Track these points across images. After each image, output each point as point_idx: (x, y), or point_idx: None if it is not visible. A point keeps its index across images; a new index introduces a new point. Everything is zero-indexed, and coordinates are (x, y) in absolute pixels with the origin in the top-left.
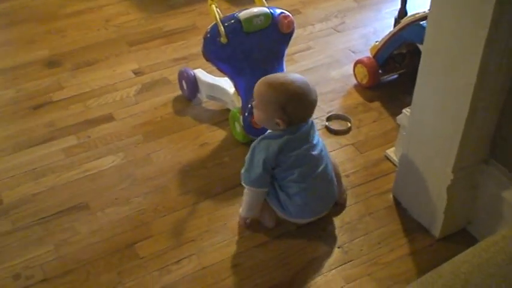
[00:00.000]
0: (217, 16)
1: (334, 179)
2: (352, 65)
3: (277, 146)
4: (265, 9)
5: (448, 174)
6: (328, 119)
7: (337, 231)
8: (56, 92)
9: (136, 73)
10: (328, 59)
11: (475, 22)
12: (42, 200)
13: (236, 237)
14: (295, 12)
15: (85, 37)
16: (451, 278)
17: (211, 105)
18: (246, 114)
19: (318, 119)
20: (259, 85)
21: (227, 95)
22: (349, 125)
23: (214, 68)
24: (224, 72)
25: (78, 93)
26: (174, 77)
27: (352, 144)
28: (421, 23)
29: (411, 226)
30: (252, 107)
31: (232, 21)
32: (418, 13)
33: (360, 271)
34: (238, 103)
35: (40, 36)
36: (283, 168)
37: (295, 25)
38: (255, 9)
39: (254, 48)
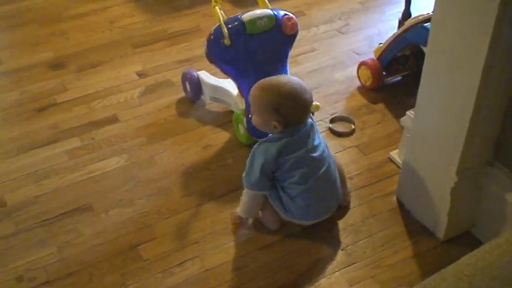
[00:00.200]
0: (221, 18)
1: (338, 181)
2: (356, 67)
3: (276, 149)
4: (269, 11)
5: (452, 176)
6: (332, 120)
7: (340, 234)
8: (60, 94)
9: (141, 75)
10: (332, 61)
11: (479, 23)
12: (45, 202)
13: (239, 240)
14: (299, 14)
15: (89, 39)
16: (454, 280)
17: (214, 107)
18: (250, 116)
19: (322, 120)
20: (253, 90)
21: (231, 96)
22: (353, 127)
23: (218, 70)
24: (228, 74)
25: (82, 95)
26: (177, 79)
27: (356, 146)
28: (425, 25)
29: (415, 228)
30: None
31: (236, 23)
32: (422, 15)
33: (363, 273)
34: (241, 105)
35: (44, 38)
36: (284, 171)
37: (298, 27)
38: (259, 11)
39: (258, 50)
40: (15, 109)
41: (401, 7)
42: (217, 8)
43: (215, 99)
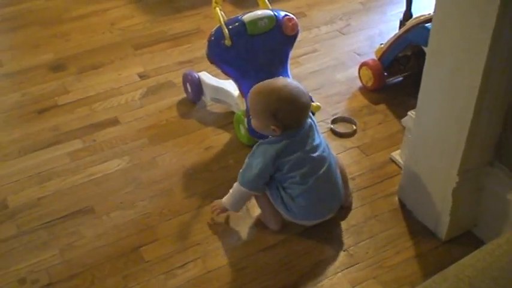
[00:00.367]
0: (222, 19)
1: (339, 180)
2: (357, 68)
3: (275, 151)
4: (270, 12)
5: (453, 177)
6: (334, 121)
7: (342, 234)
8: (61, 96)
9: (142, 76)
10: (333, 62)
11: (479, 24)
12: (47, 204)
13: (241, 241)
14: (300, 15)
15: (90, 41)
16: (455, 281)
17: (215, 108)
18: (250, 116)
19: (323, 121)
20: (250, 94)
21: (231, 97)
22: (355, 127)
23: (219, 71)
24: (228, 74)
25: (83, 97)
26: (179, 80)
27: (358, 146)
28: (426, 25)
29: (417, 229)
30: None
31: (237, 23)
32: (423, 15)
33: (365, 274)
34: (242, 105)
35: (45, 40)
36: (284, 172)
37: (299, 27)
38: (259, 12)
39: (258, 51)
40: (16, 111)
41: (403, 7)
42: (217, 9)
43: (216, 100)
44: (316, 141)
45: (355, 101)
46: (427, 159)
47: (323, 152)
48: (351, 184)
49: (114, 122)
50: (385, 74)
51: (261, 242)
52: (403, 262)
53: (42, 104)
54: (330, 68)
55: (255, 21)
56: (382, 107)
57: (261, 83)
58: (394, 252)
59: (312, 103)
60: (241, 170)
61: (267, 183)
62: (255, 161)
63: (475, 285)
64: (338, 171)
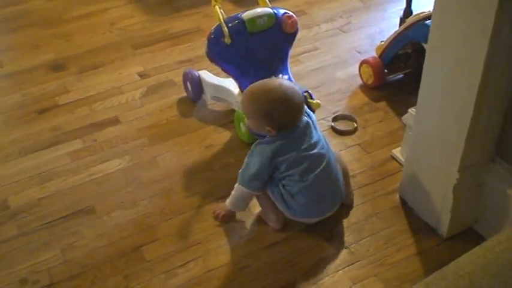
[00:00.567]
0: (221, 17)
1: (339, 177)
2: (357, 65)
3: (271, 151)
4: (269, 10)
5: (453, 174)
6: (334, 119)
7: (343, 232)
8: (62, 96)
9: (142, 76)
10: (334, 60)
11: (478, 20)
12: (48, 204)
13: (242, 239)
14: (300, 13)
15: (90, 40)
16: (455, 278)
17: (216, 106)
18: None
19: (324, 119)
20: (244, 95)
21: (232, 95)
22: (355, 125)
23: (219, 70)
24: (228, 72)
25: (84, 97)
26: (179, 79)
27: (359, 144)
28: (426, 22)
29: (418, 226)
30: None
31: (236, 21)
32: (423, 12)
33: (366, 272)
34: None
35: (45, 40)
36: (282, 171)
37: (299, 25)
38: (259, 10)
39: (258, 49)
40: (16, 111)
41: (403, 5)
42: (217, 7)
43: (216, 99)
44: (314, 139)
45: (355, 98)
46: (427, 156)
47: (321, 149)
48: (352, 182)
49: (115, 121)
50: (386, 71)
51: (262, 241)
52: (404, 259)
53: (43, 104)
54: (330, 66)
55: (254, 19)
56: (382, 104)
57: (254, 84)
58: (395, 249)
59: (312, 100)
60: (240, 170)
61: (268, 182)
62: (253, 161)
63: (475, 282)
64: (338, 168)
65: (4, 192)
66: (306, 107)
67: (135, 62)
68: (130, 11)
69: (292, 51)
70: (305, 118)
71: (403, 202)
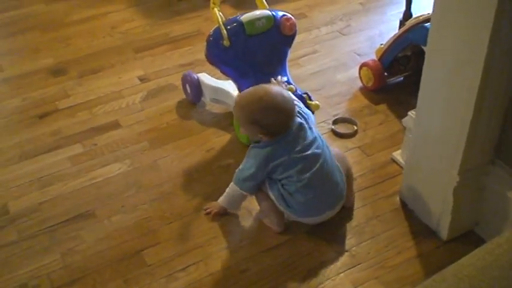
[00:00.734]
0: (220, 19)
1: (337, 175)
2: (357, 68)
3: (265, 155)
4: (267, 12)
5: (454, 176)
6: (335, 122)
7: (344, 235)
8: (62, 100)
9: (142, 80)
10: (334, 62)
11: (478, 22)
12: (48, 209)
13: (243, 243)
14: (300, 16)
15: (90, 44)
16: (454, 281)
17: (216, 109)
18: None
19: (324, 122)
20: (234, 105)
21: (231, 97)
22: (356, 128)
23: (219, 73)
24: (228, 75)
25: (84, 101)
26: (179, 83)
27: (359, 147)
28: (426, 24)
29: (418, 228)
30: None
31: (235, 24)
32: (423, 15)
33: (367, 274)
34: None
35: (45, 44)
36: (279, 173)
37: (297, 27)
38: (257, 12)
39: (257, 51)
40: (17, 116)
41: (402, 7)
42: (215, 9)
43: (215, 101)
44: (309, 139)
45: (355, 101)
46: (427, 159)
47: (316, 149)
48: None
49: (115, 125)
50: (386, 74)
51: (262, 244)
52: (405, 262)
53: (43, 108)
54: (330, 68)
55: (253, 22)
56: (382, 107)
57: (242, 93)
58: (396, 252)
59: (311, 102)
60: (237, 170)
61: (267, 183)
62: (248, 163)
63: (474, 285)
64: (336, 167)
65: (4, 197)
66: (301, 108)
67: (136, 66)
68: (130, 14)
69: (292, 55)
70: (298, 120)
71: (404, 205)
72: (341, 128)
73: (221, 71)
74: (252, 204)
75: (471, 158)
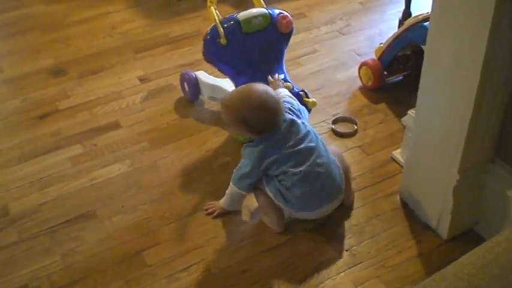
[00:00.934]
0: (216, 18)
1: (333, 168)
2: (357, 68)
3: (258, 153)
4: (264, 10)
5: (454, 175)
6: (334, 121)
7: (344, 234)
8: (62, 101)
9: (142, 80)
10: (333, 62)
11: (476, 21)
12: (48, 210)
13: (244, 243)
14: (300, 15)
15: (90, 45)
16: (454, 280)
17: (215, 108)
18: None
19: (324, 121)
20: (221, 106)
21: None
22: (355, 127)
23: (217, 71)
24: (225, 73)
25: (84, 102)
26: (179, 83)
27: (359, 146)
28: (425, 24)
29: (418, 227)
30: None
31: (231, 22)
32: (422, 14)
33: (368, 274)
34: None
35: (45, 45)
36: (275, 169)
37: (294, 25)
38: (254, 10)
39: (254, 49)
40: (17, 117)
41: (402, 7)
42: (212, 8)
43: (213, 99)
44: (301, 134)
45: (355, 100)
46: (427, 157)
47: (309, 142)
48: (353, 184)
49: (115, 126)
50: (385, 73)
51: (263, 244)
52: (406, 261)
53: (43, 109)
54: (330, 68)
55: (249, 20)
56: (382, 106)
57: (227, 94)
58: (397, 251)
59: (308, 99)
60: (234, 170)
61: (264, 181)
62: (244, 162)
63: (474, 284)
64: (333, 161)
65: (4, 198)
66: (293, 104)
67: (136, 66)
68: (130, 15)
69: (292, 54)
70: (289, 116)
71: (404, 204)
72: (341, 128)
73: (218, 69)
74: (253, 205)
75: (471, 156)
